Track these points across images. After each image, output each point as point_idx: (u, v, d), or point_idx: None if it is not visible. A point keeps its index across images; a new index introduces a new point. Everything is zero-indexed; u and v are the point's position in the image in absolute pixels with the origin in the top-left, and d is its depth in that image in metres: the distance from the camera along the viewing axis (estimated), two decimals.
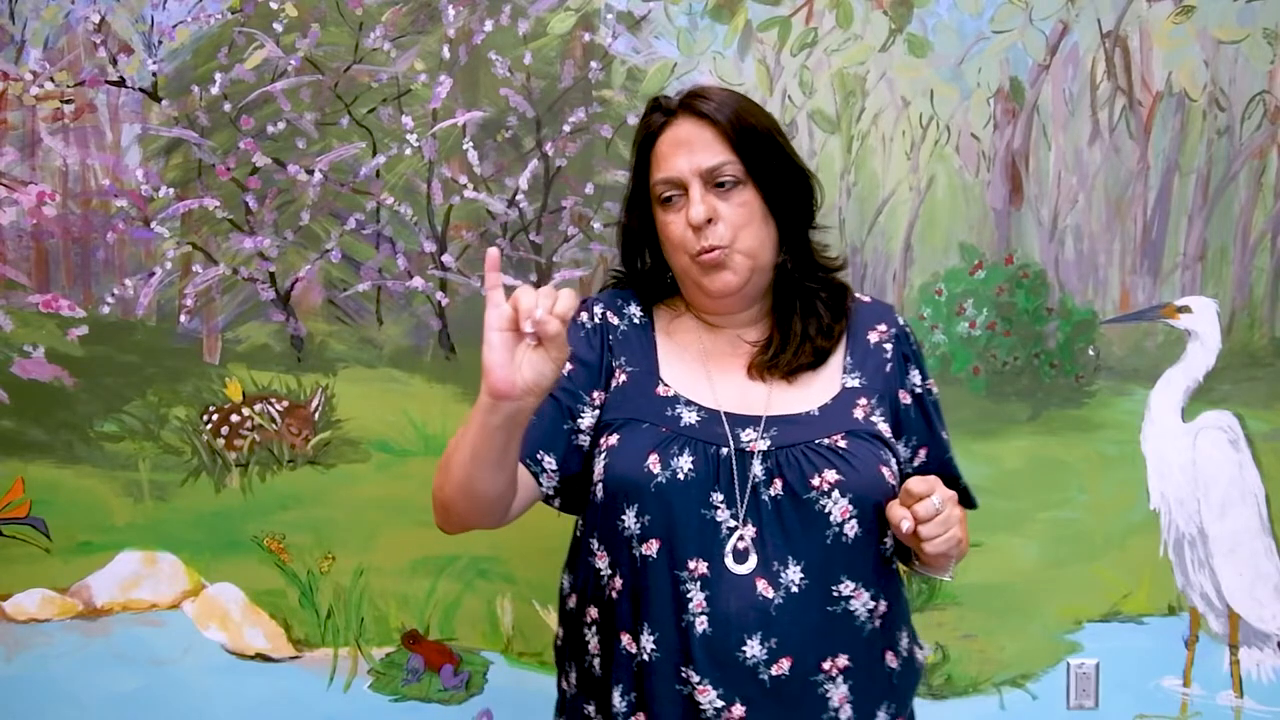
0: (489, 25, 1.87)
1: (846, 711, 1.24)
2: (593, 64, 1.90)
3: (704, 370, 1.34)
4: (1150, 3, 1.94)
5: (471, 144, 1.90)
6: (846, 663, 1.24)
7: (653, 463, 1.24)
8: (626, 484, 1.25)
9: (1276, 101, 1.97)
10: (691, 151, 1.28)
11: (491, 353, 1.08)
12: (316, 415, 1.92)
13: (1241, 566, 2.03)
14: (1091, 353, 2.01)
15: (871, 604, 1.26)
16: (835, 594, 1.23)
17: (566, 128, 1.90)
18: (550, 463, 1.30)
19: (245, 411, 1.91)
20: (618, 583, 1.26)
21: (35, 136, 1.85)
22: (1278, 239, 2.01)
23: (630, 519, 1.24)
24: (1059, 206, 1.98)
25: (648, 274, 1.40)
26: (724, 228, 1.28)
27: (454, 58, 1.88)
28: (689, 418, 1.29)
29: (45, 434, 1.89)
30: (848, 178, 1.95)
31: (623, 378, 1.33)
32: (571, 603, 1.35)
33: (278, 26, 1.85)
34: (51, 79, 1.84)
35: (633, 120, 1.86)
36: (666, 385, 1.32)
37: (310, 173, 1.88)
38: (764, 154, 1.30)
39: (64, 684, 1.93)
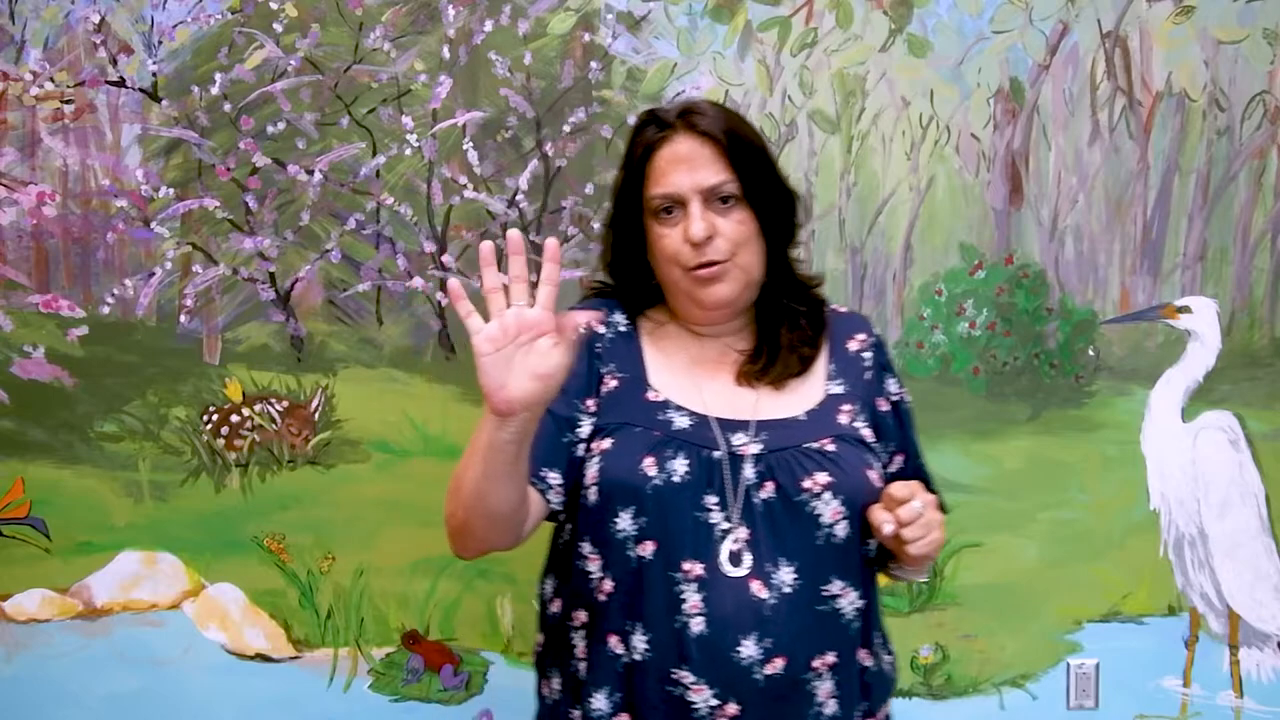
0: (489, 25, 1.87)
1: (831, 707, 1.27)
2: (593, 64, 1.90)
3: (691, 377, 1.36)
4: (1150, 3, 1.94)
5: (471, 144, 1.90)
6: (833, 659, 1.26)
7: (648, 465, 1.26)
8: (623, 486, 1.26)
9: (1276, 101, 1.97)
10: (692, 169, 1.30)
11: (487, 377, 1.11)
12: (316, 415, 1.92)
13: (1241, 567, 2.03)
14: (1091, 353, 2.01)
15: (859, 603, 1.29)
16: (825, 593, 1.26)
17: (566, 128, 1.90)
18: (555, 478, 1.30)
19: (245, 412, 1.91)
20: (607, 585, 1.27)
21: (35, 136, 1.85)
22: (1278, 239, 2.01)
23: (625, 521, 1.25)
24: (1059, 206, 1.98)
25: (631, 283, 1.41)
26: (723, 243, 1.30)
27: (454, 58, 1.88)
28: (680, 422, 1.30)
29: (45, 434, 1.89)
30: (848, 178, 1.95)
31: (613, 384, 1.35)
32: (555, 607, 1.36)
33: (278, 27, 1.85)
34: (51, 79, 1.84)
35: (633, 121, 1.85)
36: (655, 391, 1.34)
37: (310, 173, 1.88)
38: (758, 173, 1.32)
39: (64, 684, 1.93)
